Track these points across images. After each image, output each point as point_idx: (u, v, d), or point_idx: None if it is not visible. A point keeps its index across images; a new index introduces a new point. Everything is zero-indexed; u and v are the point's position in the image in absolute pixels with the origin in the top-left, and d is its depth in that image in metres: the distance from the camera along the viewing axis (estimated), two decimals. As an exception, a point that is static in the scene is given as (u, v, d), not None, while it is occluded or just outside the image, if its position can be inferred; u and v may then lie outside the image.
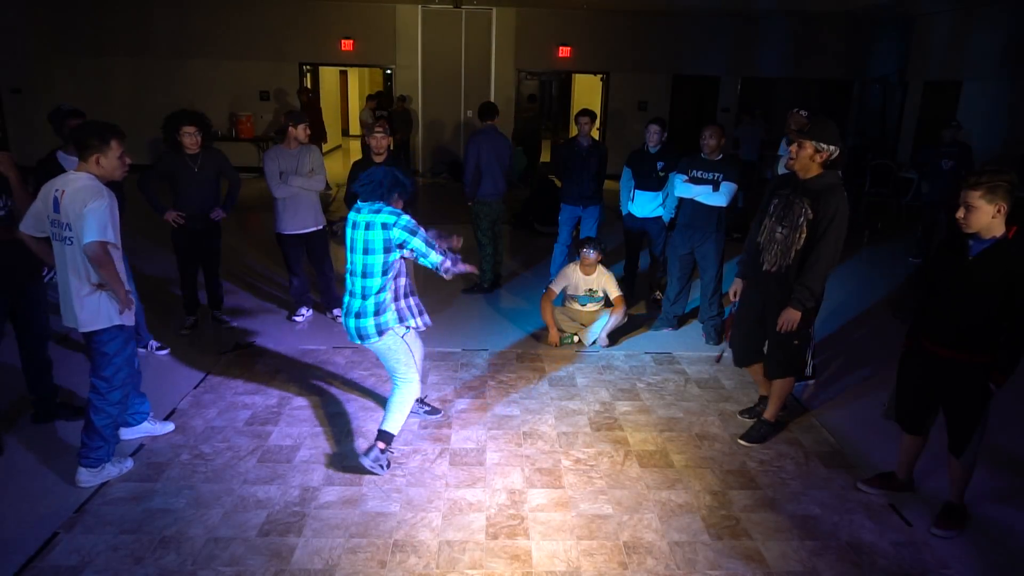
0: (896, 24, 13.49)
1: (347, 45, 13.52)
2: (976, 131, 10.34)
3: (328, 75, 16.83)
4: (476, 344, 5.40)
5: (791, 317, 3.71)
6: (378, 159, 5.24)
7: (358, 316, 3.45)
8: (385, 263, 3.40)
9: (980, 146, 9.19)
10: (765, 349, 4.03)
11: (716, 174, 5.24)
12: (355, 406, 4.34)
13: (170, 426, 3.98)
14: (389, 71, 14.66)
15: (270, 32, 13.40)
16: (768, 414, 4.10)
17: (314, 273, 5.76)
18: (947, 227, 3.19)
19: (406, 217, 3.40)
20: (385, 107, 14.79)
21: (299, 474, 3.59)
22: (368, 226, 3.38)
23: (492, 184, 6.31)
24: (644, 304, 6.43)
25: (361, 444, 3.86)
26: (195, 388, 4.53)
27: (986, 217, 2.94)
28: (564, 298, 5.59)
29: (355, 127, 17.87)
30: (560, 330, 5.43)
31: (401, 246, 3.39)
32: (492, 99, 12.76)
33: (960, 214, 2.99)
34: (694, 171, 5.31)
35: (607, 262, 5.64)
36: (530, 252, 8.39)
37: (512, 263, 7.78)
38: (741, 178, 5.38)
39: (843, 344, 5.64)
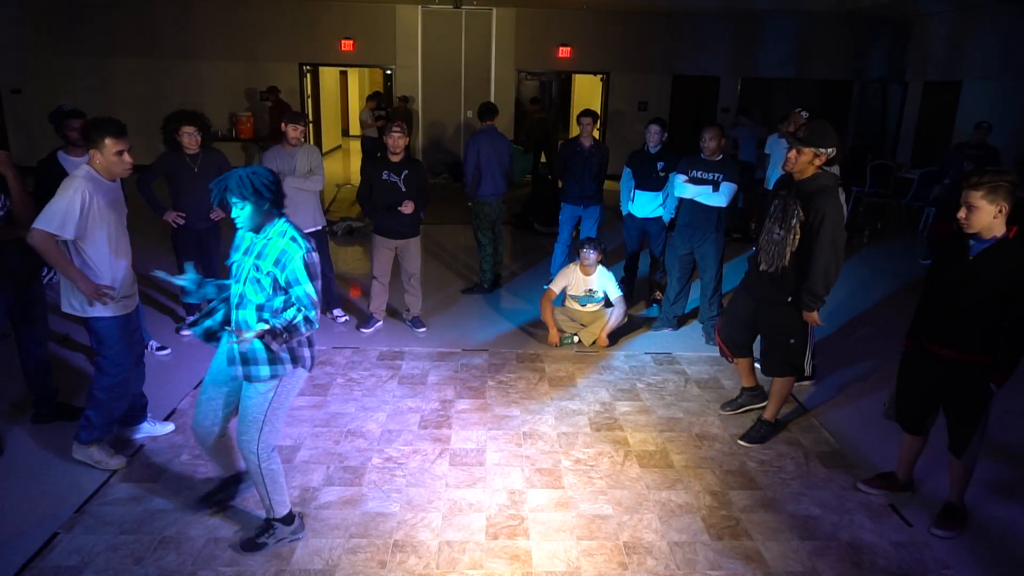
0: (896, 24, 13.49)
1: (347, 45, 13.51)
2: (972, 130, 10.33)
3: (328, 75, 16.83)
4: (476, 344, 5.40)
5: (811, 319, 3.79)
6: (395, 159, 5.25)
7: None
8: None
9: (998, 149, 9.15)
10: (756, 347, 4.10)
11: (716, 174, 5.24)
12: (355, 406, 4.34)
13: (170, 426, 3.99)
14: (389, 71, 14.66)
15: (270, 32, 13.40)
16: (768, 414, 4.11)
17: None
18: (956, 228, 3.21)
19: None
20: (385, 107, 14.78)
21: (299, 474, 3.59)
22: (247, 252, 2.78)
23: (492, 184, 6.31)
24: (644, 304, 6.43)
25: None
26: (195, 388, 4.53)
27: (987, 217, 2.95)
28: (564, 298, 5.59)
29: (355, 127, 17.87)
30: (560, 330, 5.43)
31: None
32: (492, 99, 12.76)
33: (962, 214, 3.01)
34: (694, 171, 5.31)
35: (607, 262, 5.64)
36: (530, 252, 8.40)
37: (512, 263, 7.78)
38: (741, 179, 5.38)
39: (843, 344, 5.64)
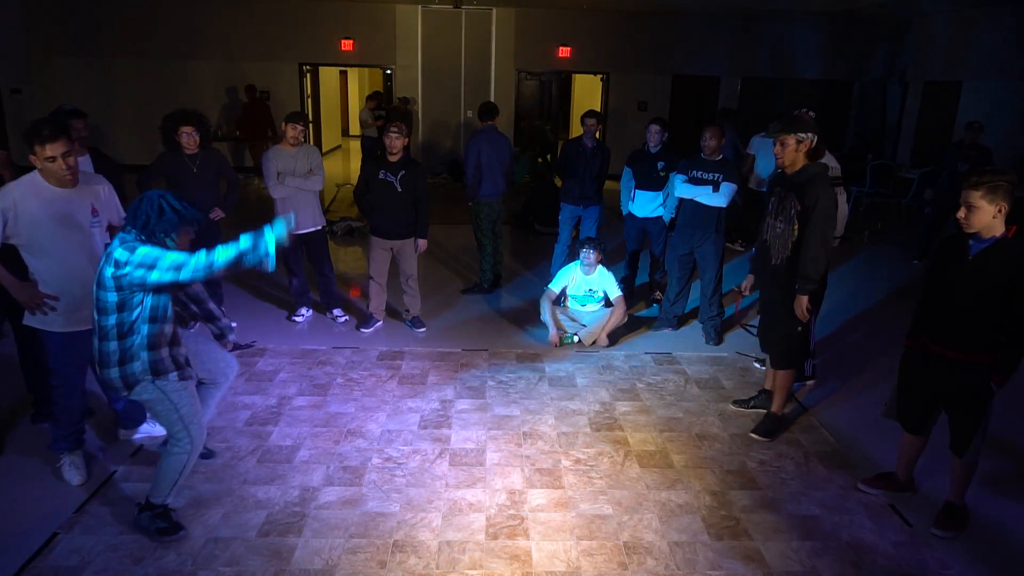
0: (896, 24, 13.49)
1: (347, 45, 13.52)
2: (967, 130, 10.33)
3: (328, 75, 16.83)
4: (476, 344, 5.40)
5: (800, 303, 3.86)
6: (392, 159, 5.24)
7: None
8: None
9: (991, 149, 9.15)
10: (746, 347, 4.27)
11: (716, 175, 5.25)
12: (355, 406, 4.34)
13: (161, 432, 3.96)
14: (389, 71, 14.67)
15: (270, 32, 13.41)
16: (775, 407, 4.17)
17: (314, 273, 5.76)
18: (954, 229, 3.27)
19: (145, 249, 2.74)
20: (385, 107, 14.79)
21: (299, 474, 3.59)
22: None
23: (492, 184, 6.31)
24: (644, 304, 6.43)
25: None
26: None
27: (987, 217, 2.95)
28: (564, 298, 5.59)
29: (355, 127, 17.88)
30: (560, 330, 5.43)
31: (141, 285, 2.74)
32: (492, 99, 12.76)
33: (961, 214, 3.01)
34: (694, 171, 5.31)
35: (607, 262, 5.64)
36: (530, 252, 8.40)
37: (512, 263, 7.78)
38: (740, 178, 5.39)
39: (843, 344, 5.64)
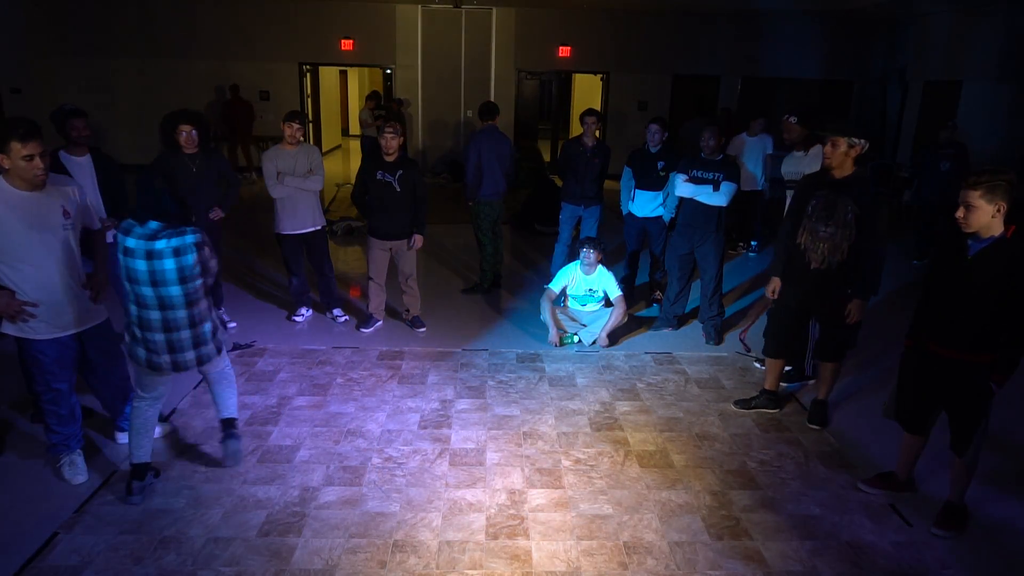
0: (896, 24, 13.49)
1: (347, 45, 13.52)
2: (976, 131, 10.34)
3: (328, 75, 16.83)
4: (476, 344, 5.40)
5: (861, 307, 3.94)
6: (389, 159, 5.24)
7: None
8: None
9: (980, 146, 9.19)
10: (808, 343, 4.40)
11: (716, 174, 5.24)
12: (355, 406, 4.34)
13: (166, 427, 3.95)
14: (389, 71, 14.67)
15: (270, 32, 13.40)
16: (822, 395, 4.31)
17: (314, 273, 5.76)
18: (945, 228, 3.31)
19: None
20: (384, 106, 14.79)
21: (299, 474, 3.59)
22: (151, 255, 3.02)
23: (492, 184, 6.30)
24: (644, 304, 6.43)
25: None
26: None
27: (986, 216, 2.95)
28: (564, 298, 5.59)
29: (355, 127, 17.88)
30: (560, 330, 5.43)
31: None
32: (492, 99, 12.76)
33: (960, 214, 3.01)
34: (694, 171, 5.31)
35: (607, 262, 5.64)
36: (530, 252, 8.39)
37: (512, 263, 7.78)
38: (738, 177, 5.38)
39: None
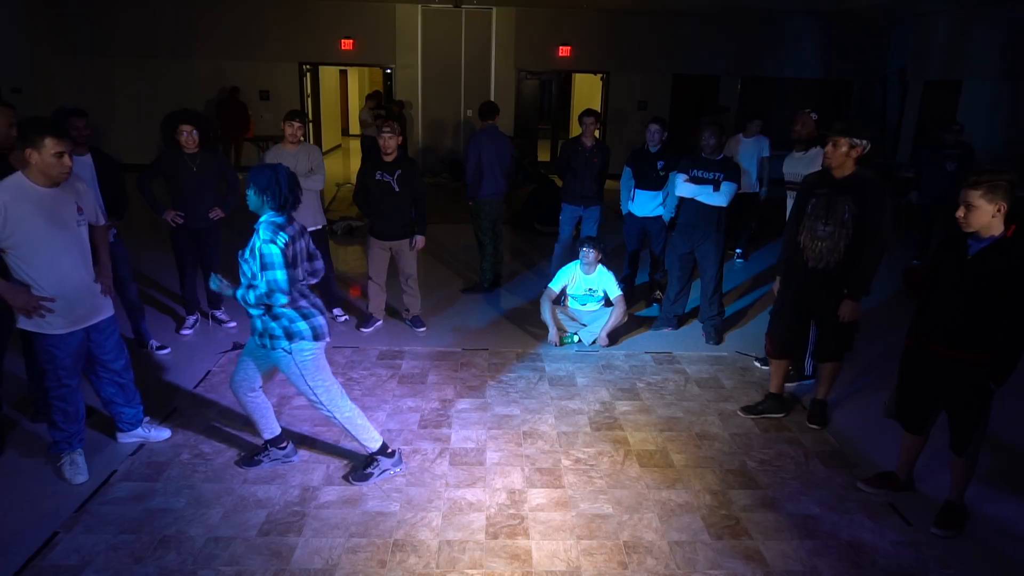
0: (896, 24, 13.49)
1: (347, 44, 13.52)
2: (976, 131, 10.33)
3: (328, 74, 16.83)
4: (476, 344, 5.40)
5: (853, 308, 3.92)
6: (387, 159, 5.24)
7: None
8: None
9: (980, 146, 9.18)
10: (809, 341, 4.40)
11: (717, 174, 5.24)
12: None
13: (166, 432, 3.91)
14: (389, 70, 14.67)
15: (270, 32, 13.41)
16: (822, 394, 4.31)
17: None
18: (946, 228, 3.30)
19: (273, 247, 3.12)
20: (384, 106, 14.80)
21: (299, 474, 3.59)
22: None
23: (492, 184, 6.31)
24: (644, 303, 6.43)
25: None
26: (195, 387, 4.53)
27: (986, 216, 2.95)
28: (564, 297, 5.59)
29: (355, 126, 17.89)
30: (560, 329, 5.43)
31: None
32: (492, 98, 12.77)
33: (960, 213, 3.01)
34: (694, 171, 5.31)
35: (607, 262, 5.64)
36: (530, 252, 8.40)
37: (512, 263, 7.78)
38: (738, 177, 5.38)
39: (843, 344, 5.64)
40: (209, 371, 4.78)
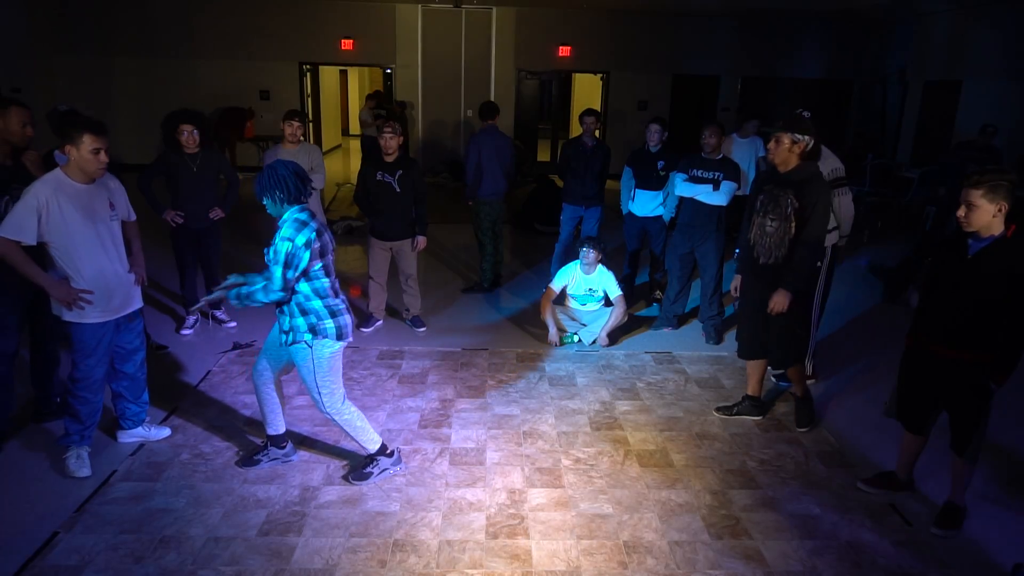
0: (896, 24, 13.49)
1: (347, 44, 13.52)
2: (976, 131, 10.33)
3: (328, 74, 16.83)
4: (476, 344, 5.40)
5: (781, 299, 3.86)
6: (388, 159, 5.24)
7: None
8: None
9: (1003, 152, 9.17)
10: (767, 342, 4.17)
11: (717, 173, 5.25)
12: (355, 405, 4.32)
13: (166, 431, 3.93)
14: (389, 70, 14.67)
15: (270, 31, 13.41)
16: (798, 392, 4.26)
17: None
18: (954, 228, 3.28)
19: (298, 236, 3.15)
20: (385, 106, 14.80)
21: (299, 473, 3.59)
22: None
23: (493, 184, 6.30)
24: (644, 304, 6.43)
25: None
26: (195, 387, 4.53)
27: (987, 216, 2.95)
28: (564, 297, 5.59)
29: (355, 126, 17.89)
30: (560, 329, 5.43)
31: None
32: (492, 98, 12.77)
33: (961, 212, 3.01)
34: (694, 170, 5.31)
35: (607, 262, 5.64)
36: (531, 252, 8.39)
37: (513, 263, 7.78)
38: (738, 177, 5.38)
39: (843, 344, 5.64)
40: (209, 371, 4.78)
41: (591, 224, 6.38)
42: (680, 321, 5.87)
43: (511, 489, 3.51)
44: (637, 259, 6.46)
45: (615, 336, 5.49)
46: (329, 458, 3.75)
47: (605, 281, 5.45)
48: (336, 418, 3.43)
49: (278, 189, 3.16)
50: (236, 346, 5.21)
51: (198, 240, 5.25)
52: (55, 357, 4.02)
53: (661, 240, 6.23)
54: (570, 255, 6.19)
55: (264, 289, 3.16)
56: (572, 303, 5.58)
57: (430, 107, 14.06)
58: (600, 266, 5.45)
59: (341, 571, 2.90)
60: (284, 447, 3.66)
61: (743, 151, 7.62)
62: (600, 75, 14.45)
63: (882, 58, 13.93)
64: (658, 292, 6.40)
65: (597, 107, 13.32)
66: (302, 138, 5.48)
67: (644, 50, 13.91)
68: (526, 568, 2.96)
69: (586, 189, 6.28)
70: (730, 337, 5.66)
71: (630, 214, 6.23)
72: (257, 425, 4.06)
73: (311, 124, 14.67)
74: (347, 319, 3.38)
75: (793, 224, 3.78)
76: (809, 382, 4.80)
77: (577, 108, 13.91)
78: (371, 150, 11.23)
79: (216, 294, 3.41)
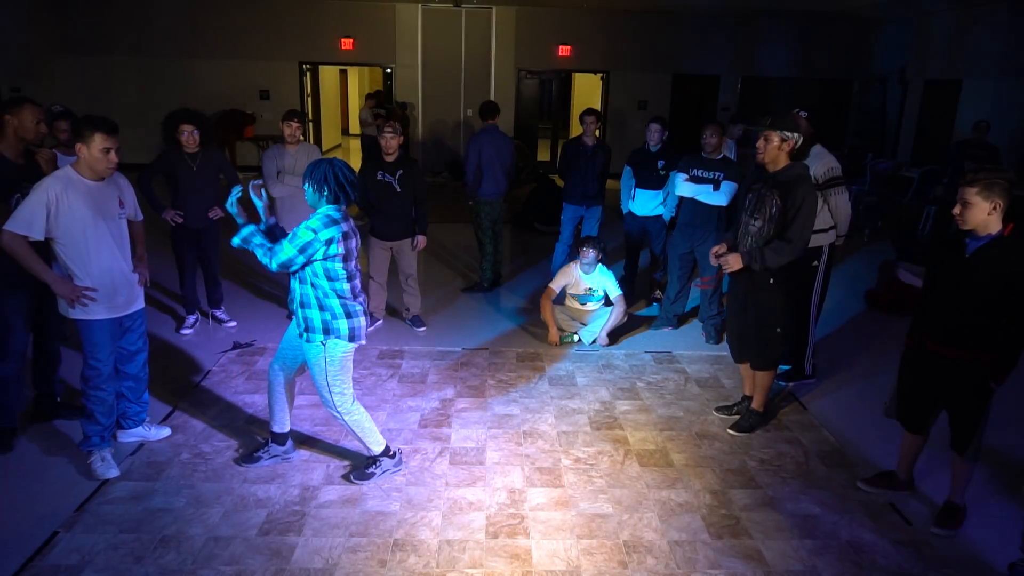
0: (896, 24, 13.49)
1: (347, 44, 13.52)
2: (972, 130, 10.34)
3: (328, 74, 16.82)
4: (476, 343, 5.40)
5: (733, 260, 3.82)
6: (388, 159, 5.24)
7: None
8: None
9: (999, 149, 9.17)
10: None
11: (717, 173, 5.25)
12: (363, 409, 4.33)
13: (166, 431, 3.93)
14: (389, 70, 14.67)
15: (270, 31, 13.41)
16: (755, 404, 4.17)
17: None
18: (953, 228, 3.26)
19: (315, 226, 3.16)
20: (384, 105, 14.80)
21: (299, 473, 3.59)
22: None
23: (493, 183, 6.31)
24: (644, 303, 6.43)
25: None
26: (195, 387, 4.53)
27: (982, 214, 2.95)
28: (564, 297, 5.59)
29: (355, 126, 17.88)
30: (560, 329, 5.43)
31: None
32: (492, 98, 12.76)
33: (956, 210, 3.02)
34: (695, 170, 5.31)
35: (607, 262, 5.64)
36: (531, 251, 8.39)
37: (513, 262, 7.78)
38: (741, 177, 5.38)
39: (843, 344, 5.64)
40: (209, 370, 4.78)
41: (591, 224, 6.38)
42: (680, 321, 5.87)
43: (511, 489, 3.51)
44: (637, 259, 6.46)
45: (615, 336, 5.49)
46: (329, 458, 3.75)
47: (605, 281, 5.45)
48: (346, 418, 3.43)
49: (327, 185, 3.19)
50: (236, 346, 5.21)
51: (198, 239, 5.25)
52: (57, 357, 4.03)
53: (661, 240, 6.22)
54: (571, 255, 6.19)
55: (269, 251, 3.16)
56: (572, 303, 5.58)
57: (430, 107, 14.06)
58: (600, 266, 5.45)
59: (341, 571, 2.90)
60: (285, 445, 3.67)
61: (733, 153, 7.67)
62: (600, 75, 14.45)
63: (882, 57, 13.93)
64: (658, 292, 6.40)
65: (597, 107, 13.33)
66: (302, 138, 5.48)
67: (644, 50, 13.91)
68: (526, 568, 2.96)
69: (586, 189, 6.28)
70: (730, 337, 5.67)
71: (630, 213, 6.23)
72: (258, 424, 4.07)
73: (311, 124, 14.66)
74: (361, 322, 3.38)
75: (777, 226, 3.74)
76: (809, 382, 4.81)
77: (577, 108, 13.91)
78: (371, 150, 11.24)
79: (235, 196, 3.36)
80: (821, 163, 4.46)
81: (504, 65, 13.91)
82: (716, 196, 5.22)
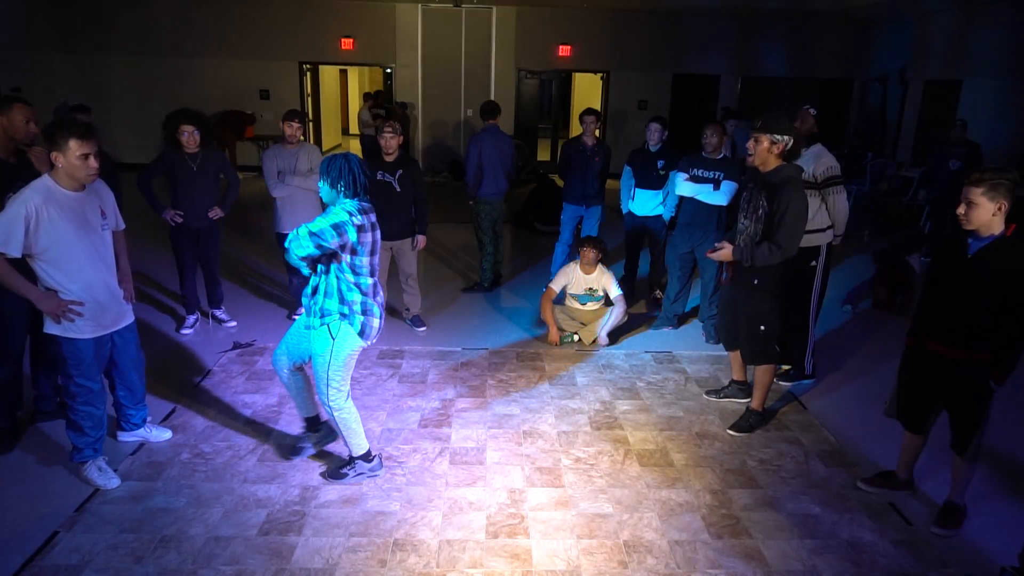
0: (896, 23, 13.49)
1: (347, 44, 13.52)
2: (976, 130, 10.33)
3: (328, 74, 16.82)
4: (476, 343, 5.40)
5: (724, 252, 3.90)
6: (388, 159, 5.24)
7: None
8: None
9: (981, 145, 9.18)
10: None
11: (717, 173, 5.24)
12: (355, 405, 4.31)
13: (167, 432, 3.91)
14: (389, 70, 14.67)
15: (270, 31, 13.41)
16: (755, 404, 4.18)
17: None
18: (952, 227, 3.25)
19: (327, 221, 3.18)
20: (384, 105, 14.80)
21: (299, 473, 3.59)
22: None
23: (493, 183, 6.30)
24: (644, 303, 6.43)
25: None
26: (195, 387, 4.53)
27: (986, 214, 2.95)
28: (564, 297, 5.59)
29: (355, 126, 17.88)
30: (560, 329, 5.43)
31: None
32: (492, 98, 12.76)
33: (961, 210, 3.01)
34: (695, 170, 5.31)
35: (607, 261, 5.64)
36: (531, 251, 8.39)
37: (513, 262, 7.78)
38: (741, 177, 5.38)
39: (843, 343, 5.64)
40: (209, 370, 4.78)
41: (591, 223, 6.38)
42: (680, 321, 5.87)
43: (511, 489, 3.51)
44: (637, 259, 6.46)
45: (615, 336, 5.49)
46: (329, 458, 3.74)
47: (605, 281, 5.45)
48: (336, 413, 3.40)
49: (343, 181, 3.20)
50: (236, 346, 5.21)
51: (198, 239, 5.25)
52: (56, 357, 4.01)
53: (661, 239, 6.22)
54: (571, 255, 6.19)
55: (294, 238, 3.17)
56: (572, 303, 5.58)
57: (430, 107, 14.06)
58: (600, 266, 5.45)
59: (341, 571, 2.90)
60: (372, 461, 3.55)
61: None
62: (600, 75, 14.45)
63: (882, 57, 13.92)
64: (658, 292, 6.40)
65: (597, 107, 13.34)
66: (302, 138, 5.48)
67: (644, 49, 13.91)
68: (526, 568, 2.96)
69: (587, 188, 6.28)
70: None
71: (630, 213, 6.23)
72: (258, 424, 4.07)
73: (311, 124, 14.66)
74: (375, 323, 3.33)
75: (759, 226, 3.77)
76: (808, 381, 4.81)
77: (577, 108, 13.93)
78: (371, 150, 11.24)
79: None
80: (820, 162, 4.46)
81: (504, 65, 13.91)
82: (716, 196, 5.22)
